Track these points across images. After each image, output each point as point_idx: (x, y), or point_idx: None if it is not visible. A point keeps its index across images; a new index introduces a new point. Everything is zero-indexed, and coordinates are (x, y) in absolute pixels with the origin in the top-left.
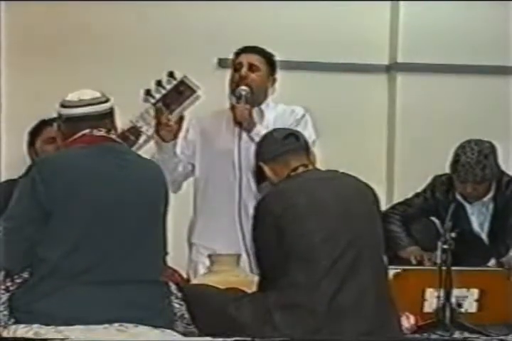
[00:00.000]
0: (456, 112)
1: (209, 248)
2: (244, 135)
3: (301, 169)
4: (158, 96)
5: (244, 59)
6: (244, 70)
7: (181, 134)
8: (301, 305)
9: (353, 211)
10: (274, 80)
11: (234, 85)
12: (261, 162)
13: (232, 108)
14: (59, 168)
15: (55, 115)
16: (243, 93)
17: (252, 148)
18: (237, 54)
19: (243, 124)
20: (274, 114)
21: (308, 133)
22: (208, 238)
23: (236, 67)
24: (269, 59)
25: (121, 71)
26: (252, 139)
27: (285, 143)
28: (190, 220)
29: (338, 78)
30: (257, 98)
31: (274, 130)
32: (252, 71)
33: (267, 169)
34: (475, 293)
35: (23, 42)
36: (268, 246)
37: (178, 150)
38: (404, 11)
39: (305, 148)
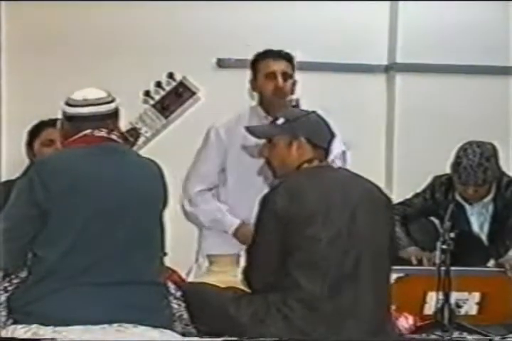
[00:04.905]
0: (455, 112)
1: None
2: None
3: (315, 163)
4: (157, 97)
5: (277, 67)
6: (281, 81)
7: (210, 147)
8: (301, 306)
9: (358, 214)
10: (295, 83)
11: (269, 95)
12: None
13: None
14: (58, 168)
15: (54, 115)
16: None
17: None
18: (261, 59)
19: None
20: None
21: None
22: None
23: (268, 76)
24: (293, 62)
25: (121, 71)
26: None
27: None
28: None
29: (337, 78)
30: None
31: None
32: (285, 79)
33: None
34: (476, 296)
35: (23, 42)
36: (269, 241)
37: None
38: (404, 11)
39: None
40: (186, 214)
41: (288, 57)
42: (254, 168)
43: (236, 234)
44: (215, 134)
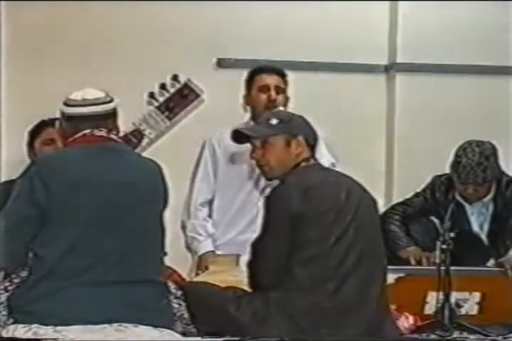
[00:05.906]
0: (455, 112)
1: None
2: None
3: (311, 161)
4: (161, 99)
5: (270, 81)
6: (274, 94)
7: (206, 159)
8: (303, 305)
9: (360, 211)
10: (288, 99)
11: (262, 107)
12: None
13: None
14: (58, 168)
15: (55, 115)
16: None
17: None
18: (256, 74)
19: None
20: None
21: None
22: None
23: (261, 89)
24: (286, 79)
25: (121, 71)
26: None
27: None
28: None
29: (337, 78)
30: None
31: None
32: (278, 93)
33: None
34: (476, 296)
35: (23, 42)
36: (281, 238)
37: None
38: (403, 11)
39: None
40: (182, 224)
41: (281, 73)
42: (242, 185)
43: (201, 258)
44: (209, 147)
